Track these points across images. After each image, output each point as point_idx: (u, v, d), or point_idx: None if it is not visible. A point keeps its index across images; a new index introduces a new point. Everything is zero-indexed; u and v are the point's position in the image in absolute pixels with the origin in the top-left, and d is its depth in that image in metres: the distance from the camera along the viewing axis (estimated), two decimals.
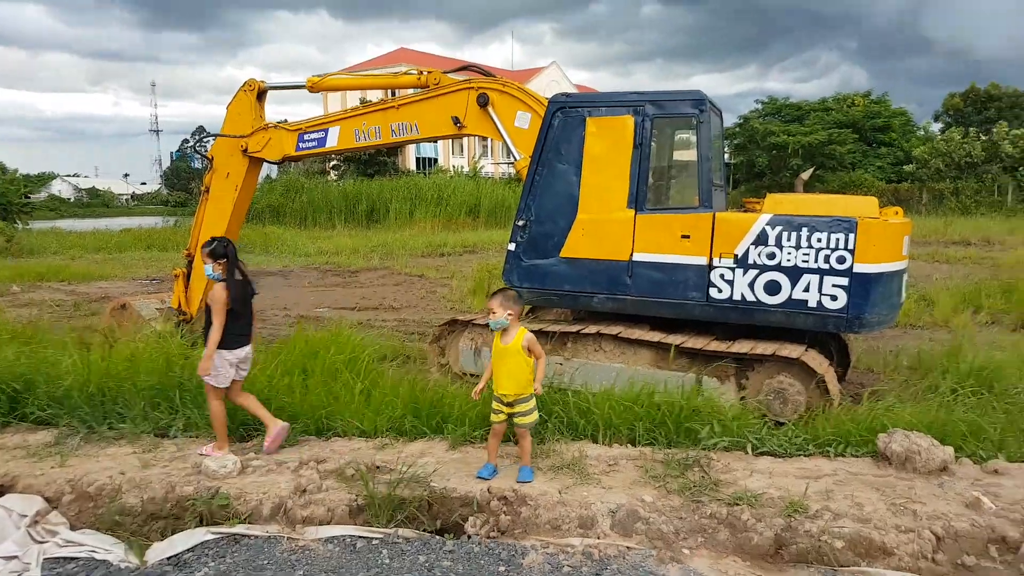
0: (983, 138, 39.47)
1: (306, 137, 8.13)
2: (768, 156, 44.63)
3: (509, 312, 4.67)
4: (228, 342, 5.06)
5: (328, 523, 4.42)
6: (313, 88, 8.16)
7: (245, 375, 5.33)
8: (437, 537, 4.30)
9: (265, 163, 8.63)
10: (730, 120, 51.42)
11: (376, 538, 4.26)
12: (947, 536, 3.99)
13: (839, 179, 40.82)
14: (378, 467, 4.84)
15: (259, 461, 5.04)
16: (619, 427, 5.38)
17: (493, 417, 4.77)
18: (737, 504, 4.27)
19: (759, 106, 51.02)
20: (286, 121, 8.30)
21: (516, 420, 4.69)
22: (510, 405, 4.67)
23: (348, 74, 9.73)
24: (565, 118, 6.85)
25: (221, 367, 5.06)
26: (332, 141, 8.01)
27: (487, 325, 7.28)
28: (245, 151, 8.28)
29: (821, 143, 42.85)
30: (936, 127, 48.49)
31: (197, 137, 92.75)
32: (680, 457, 4.90)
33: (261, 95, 8.42)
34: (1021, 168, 36.79)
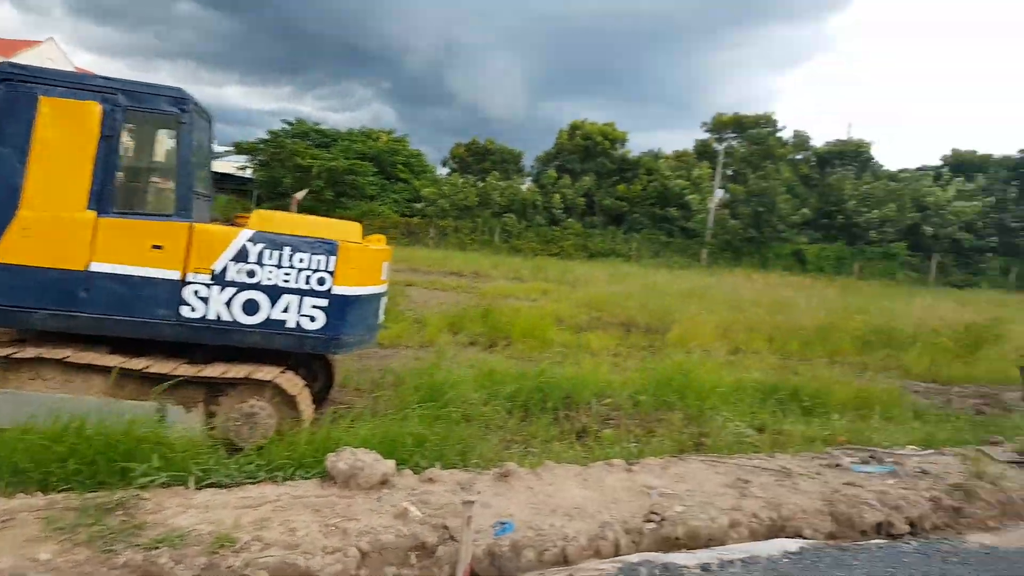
0: (480, 185, 45.68)
1: None
2: (292, 176, 44.96)
3: None
4: None
5: None
6: None
7: None
8: None
9: None
10: (255, 135, 50.70)
11: None
12: (373, 550, 4.02)
13: (359, 208, 42.95)
14: None
15: None
16: (30, 472, 4.43)
17: None
18: (157, 547, 3.75)
19: (288, 126, 51.23)
20: None
21: None
22: None
23: None
24: (12, 92, 5.62)
25: None
26: None
27: None
28: None
29: (343, 170, 44.64)
30: (444, 171, 54.29)
31: None
32: (101, 502, 4.15)
33: None
34: (506, 215, 43.47)
